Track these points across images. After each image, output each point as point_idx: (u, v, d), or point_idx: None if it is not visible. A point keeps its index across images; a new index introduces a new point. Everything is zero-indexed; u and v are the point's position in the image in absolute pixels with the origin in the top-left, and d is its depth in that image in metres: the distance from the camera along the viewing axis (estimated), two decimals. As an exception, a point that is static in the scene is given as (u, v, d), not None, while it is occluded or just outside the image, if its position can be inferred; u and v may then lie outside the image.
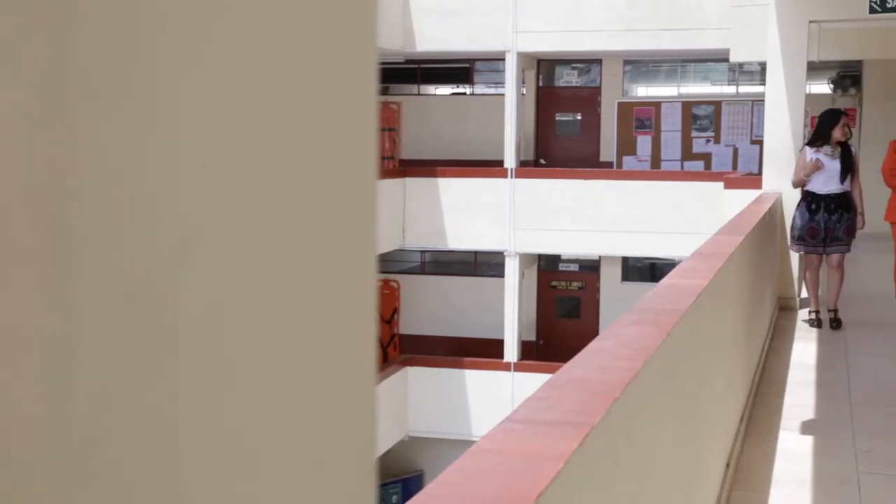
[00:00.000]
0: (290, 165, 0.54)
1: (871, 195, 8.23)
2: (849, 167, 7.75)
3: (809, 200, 7.84)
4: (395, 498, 14.60)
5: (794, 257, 8.50)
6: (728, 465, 4.24)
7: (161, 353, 0.45)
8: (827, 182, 7.77)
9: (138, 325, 0.44)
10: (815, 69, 13.48)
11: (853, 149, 7.91)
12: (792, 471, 4.48)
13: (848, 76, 16.14)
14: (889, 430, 5.16)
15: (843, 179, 7.72)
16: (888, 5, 8.21)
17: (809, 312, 7.94)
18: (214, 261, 0.48)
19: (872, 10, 8.25)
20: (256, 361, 0.51)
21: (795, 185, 7.95)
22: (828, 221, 7.75)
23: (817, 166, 7.74)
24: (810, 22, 8.80)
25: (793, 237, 7.99)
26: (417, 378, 14.08)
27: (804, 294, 8.46)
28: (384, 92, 17.60)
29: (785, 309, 8.54)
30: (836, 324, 7.80)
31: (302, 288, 0.54)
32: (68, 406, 0.40)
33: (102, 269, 0.41)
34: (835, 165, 7.73)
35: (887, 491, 4.26)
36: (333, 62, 0.57)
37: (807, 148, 7.93)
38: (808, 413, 5.55)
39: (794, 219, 7.98)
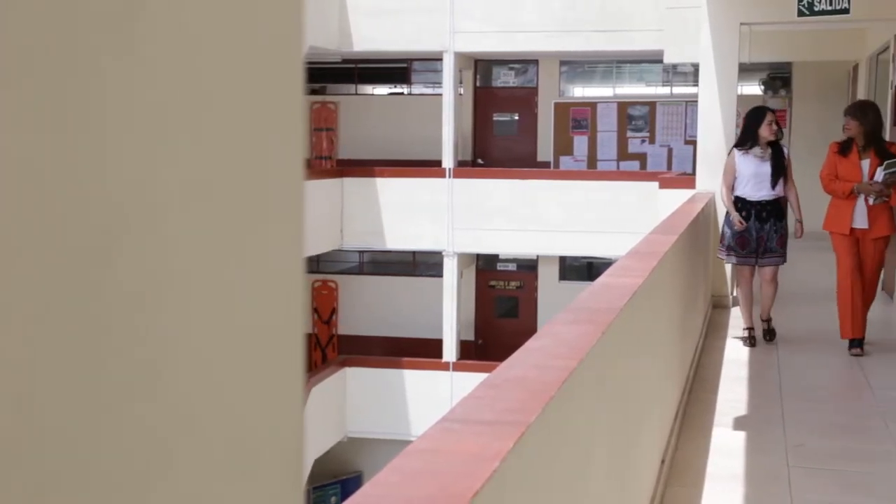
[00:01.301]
0: (212, 164, 0.53)
1: (802, 199, 7.47)
2: (781, 170, 7.14)
3: (739, 208, 7.21)
4: (333, 499, 14.54)
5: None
6: (663, 462, 4.30)
7: (80, 353, 0.44)
8: (757, 187, 7.15)
9: (58, 328, 0.43)
10: (746, 70, 13.73)
11: (785, 149, 7.31)
12: (725, 466, 4.55)
13: (778, 77, 16.46)
14: (818, 425, 5.27)
15: (774, 184, 7.12)
16: (815, 9, 8.38)
17: (743, 330, 7.38)
18: (135, 259, 0.48)
19: (801, 14, 8.42)
20: (176, 360, 0.51)
21: (726, 196, 7.32)
22: (759, 231, 7.13)
23: (739, 228, 7.14)
24: (741, 24, 8.96)
25: (722, 245, 7.39)
26: (356, 378, 14.04)
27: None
28: (321, 92, 17.51)
29: (718, 307, 8.68)
30: (769, 335, 7.38)
31: (225, 287, 0.54)
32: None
33: (19, 268, 0.41)
34: (765, 168, 7.12)
35: (816, 484, 4.36)
36: (259, 61, 0.56)
37: (735, 150, 7.33)
38: (741, 409, 5.65)
39: (723, 227, 7.43)
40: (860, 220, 6.85)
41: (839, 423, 5.37)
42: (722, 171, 7.49)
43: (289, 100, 0.59)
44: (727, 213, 7.31)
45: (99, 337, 0.45)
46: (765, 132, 7.09)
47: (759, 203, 7.15)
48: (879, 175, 6.66)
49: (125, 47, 0.46)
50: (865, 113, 6.87)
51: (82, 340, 0.44)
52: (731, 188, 7.23)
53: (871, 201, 6.77)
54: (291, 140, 0.59)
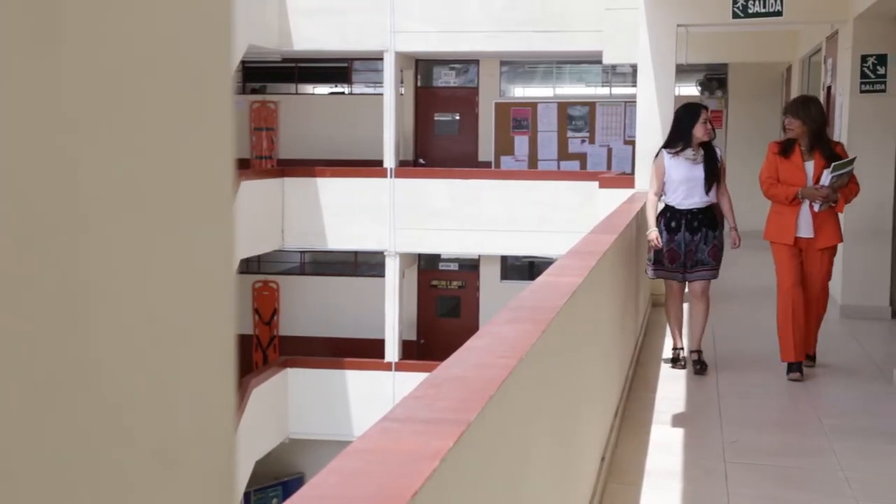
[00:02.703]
0: (139, 165, 0.53)
1: (737, 204, 6.84)
2: (714, 174, 6.32)
3: (668, 217, 6.40)
4: (274, 501, 14.44)
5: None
6: (603, 459, 4.34)
7: (4, 355, 0.43)
8: (688, 193, 6.33)
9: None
10: (684, 71, 13.94)
11: (719, 151, 6.45)
12: (663, 462, 4.61)
13: (715, 78, 16.71)
14: (753, 422, 5.36)
15: (707, 189, 6.31)
16: (749, 11, 8.53)
17: (672, 350, 6.64)
18: (61, 261, 0.47)
19: (735, 16, 8.56)
20: (102, 361, 0.50)
21: (650, 207, 6.49)
22: (689, 242, 6.35)
23: (654, 246, 6.40)
24: (678, 26, 9.09)
25: (649, 260, 6.55)
26: (298, 379, 13.96)
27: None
28: (261, 91, 17.38)
29: (657, 305, 8.79)
30: (700, 366, 6.43)
31: (152, 288, 0.53)
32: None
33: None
34: (697, 173, 6.30)
35: (752, 479, 4.43)
36: (186, 61, 0.56)
37: (664, 152, 6.42)
38: (679, 406, 5.73)
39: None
40: (805, 229, 6.13)
41: (774, 419, 5.47)
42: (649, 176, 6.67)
43: (218, 100, 0.59)
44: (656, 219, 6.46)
45: (22, 339, 0.44)
46: (699, 132, 6.23)
47: (689, 212, 6.35)
48: (826, 178, 5.97)
49: (47, 45, 0.46)
50: (809, 110, 6.12)
51: (5, 344, 0.44)
52: (660, 195, 6.45)
53: (816, 207, 6.07)
54: (220, 140, 0.59)
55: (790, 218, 6.14)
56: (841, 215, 6.32)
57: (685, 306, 6.81)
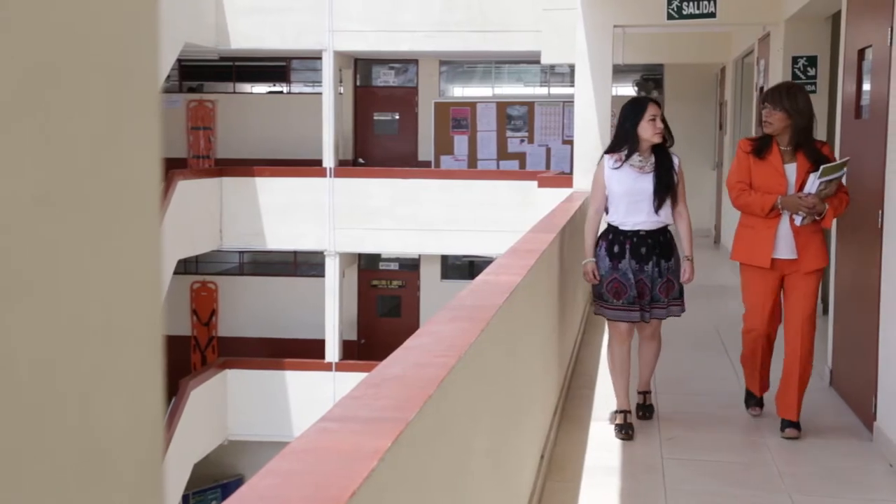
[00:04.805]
0: (58, 163, 0.52)
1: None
2: (668, 187, 4.95)
3: (610, 239, 5.03)
4: (213, 503, 14.31)
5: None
6: (542, 457, 4.37)
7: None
8: (630, 210, 4.96)
9: None
10: (621, 72, 14.10)
11: (675, 158, 5.06)
12: (602, 459, 4.65)
13: (651, 79, 16.92)
14: (690, 418, 5.44)
15: (659, 206, 4.93)
16: (684, 12, 8.65)
17: (613, 414, 5.17)
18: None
19: (670, 17, 8.68)
20: (19, 360, 0.49)
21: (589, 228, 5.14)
22: (638, 272, 4.96)
23: (588, 280, 5.11)
24: (615, 26, 9.19)
25: (593, 294, 5.23)
26: (237, 381, 13.84)
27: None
28: (198, 90, 17.20)
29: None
30: (645, 411, 5.33)
31: (74, 289, 0.53)
32: None
33: None
34: (644, 184, 4.93)
35: (688, 475, 4.50)
36: (109, 58, 0.55)
37: (605, 158, 5.08)
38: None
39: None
40: (786, 249, 4.89)
41: (711, 414, 5.55)
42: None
43: (144, 98, 0.58)
44: (597, 241, 5.14)
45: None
46: (646, 132, 4.91)
47: (635, 234, 4.97)
48: (812, 185, 4.78)
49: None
50: (795, 100, 4.88)
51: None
52: (601, 213, 5.12)
53: (798, 221, 4.83)
54: (146, 139, 0.58)
55: (766, 235, 4.88)
56: (828, 230, 5.16)
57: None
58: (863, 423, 5.12)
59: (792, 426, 4.98)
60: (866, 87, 5.41)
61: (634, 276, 4.95)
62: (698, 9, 8.58)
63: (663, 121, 4.97)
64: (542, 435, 4.45)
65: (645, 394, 5.40)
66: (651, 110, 4.94)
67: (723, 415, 5.48)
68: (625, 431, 5.01)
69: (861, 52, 5.49)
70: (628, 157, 4.95)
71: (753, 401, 5.38)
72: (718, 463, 4.68)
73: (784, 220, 4.88)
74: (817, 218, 4.81)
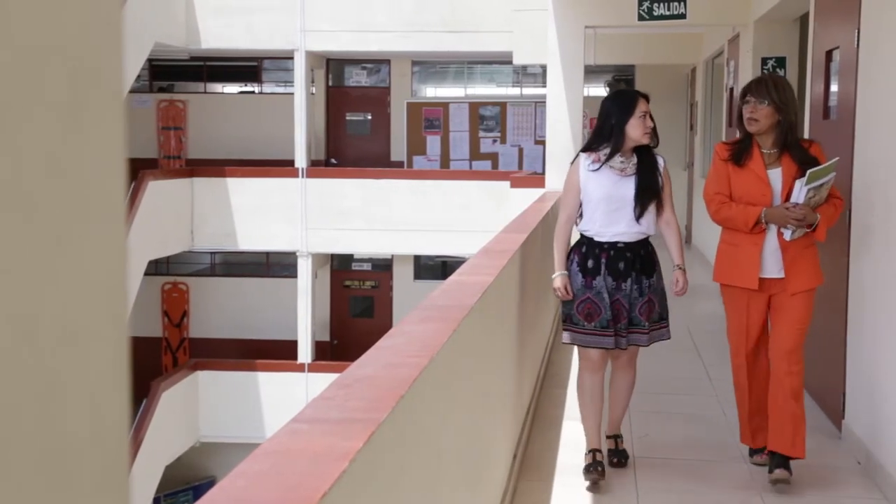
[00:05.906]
0: (20, 163, 0.51)
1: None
2: (652, 192, 4.29)
3: (584, 252, 4.34)
4: (186, 506, 14.23)
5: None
6: (515, 457, 4.38)
7: None
8: (609, 219, 4.29)
9: None
10: (592, 72, 14.14)
11: (661, 160, 4.39)
12: (575, 459, 4.66)
13: (622, 79, 16.99)
14: (662, 417, 5.47)
15: (639, 214, 4.26)
16: (654, 13, 8.70)
17: (586, 454, 4.41)
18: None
19: (641, 18, 8.72)
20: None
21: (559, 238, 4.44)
22: (615, 291, 4.28)
23: (559, 297, 4.40)
24: (586, 27, 9.22)
25: (561, 316, 4.48)
26: (208, 382, 13.78)
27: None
28: (169, 90, 17.10)
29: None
30: (619, 458, 4.57)
31: (37, 290, 0.52)
32: None
33: None
34: (625, 190, 4.27)
35: (660, 473, 4.52)
36: (70, 57, 0.55)
37: (581, 157, 4.38)
38: (590, 402, 5.80)
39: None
40: (773, 267, 4.26)
41: (682, 413, 5.58)
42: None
43: (107, 99, 0.58)
44: (569, 254, 4.45)
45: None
46: (636, 130, 4.24)
47: (613, 246, 4.29)
48: (800, 193, 4.13)
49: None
50: (782, 92, 4.24)
51: None
52: (573, 221, 4.43)
53: (787, 235, 4.19)
54: (110, 139, 0.58)
55: (751, 252, 4.26)
56: (820, 244, 4.38)
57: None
58: (832, 421, 5.16)
59: (783, 466, 4.26)
60: (834, 88, 5.46)
61: (610, 295, 4.25)
62: (669, 10, 8.63)
63: (651, 118, 4.30)
64: (514, 435, 4.46)
65: (616, 438, 4.63)
66: (641, 106, 4.26)
67: (693, 414, 5.51)
68: (594, 469, 4.29)
69: (829, 54, 5.54)
70: (609, 157, 4.25)
71: (755, 449, 4.60)
72: (690, 462, 4.71)
73: (771, 235, 4.23)
74: (808, 230, 4.17)
